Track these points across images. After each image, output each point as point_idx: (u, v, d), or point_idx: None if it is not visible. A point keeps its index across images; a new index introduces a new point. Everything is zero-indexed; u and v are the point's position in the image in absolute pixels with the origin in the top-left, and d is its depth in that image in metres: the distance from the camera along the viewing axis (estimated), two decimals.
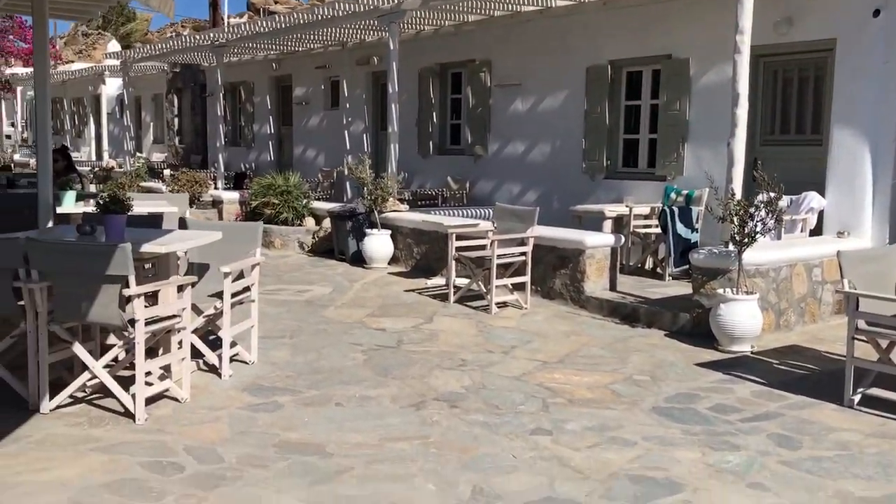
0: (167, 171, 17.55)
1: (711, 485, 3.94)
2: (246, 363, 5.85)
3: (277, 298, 8.28)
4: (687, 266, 7.75)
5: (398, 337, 6.77)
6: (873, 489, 3.93)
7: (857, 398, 5.14)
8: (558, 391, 5.41)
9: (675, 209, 8.53)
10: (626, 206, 9.33)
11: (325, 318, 7.46)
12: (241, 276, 5.75)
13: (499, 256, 7.75)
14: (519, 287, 8.05)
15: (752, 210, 6.38)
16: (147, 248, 4.85)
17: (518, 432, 4.62)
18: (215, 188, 15.13)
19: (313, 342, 6.55)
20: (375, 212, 10.17)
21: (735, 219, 6.43)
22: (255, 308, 5.90)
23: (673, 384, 5.61)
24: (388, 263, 10.21)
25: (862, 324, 5.14)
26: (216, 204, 13.90)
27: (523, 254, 7.99)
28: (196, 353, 5.49)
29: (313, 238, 11.49)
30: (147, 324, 4.61)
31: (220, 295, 5.50)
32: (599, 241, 8.06)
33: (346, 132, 15.36)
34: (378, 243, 10.09)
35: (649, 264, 9.42)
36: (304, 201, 11.81)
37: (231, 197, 13.78)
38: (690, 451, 4.36)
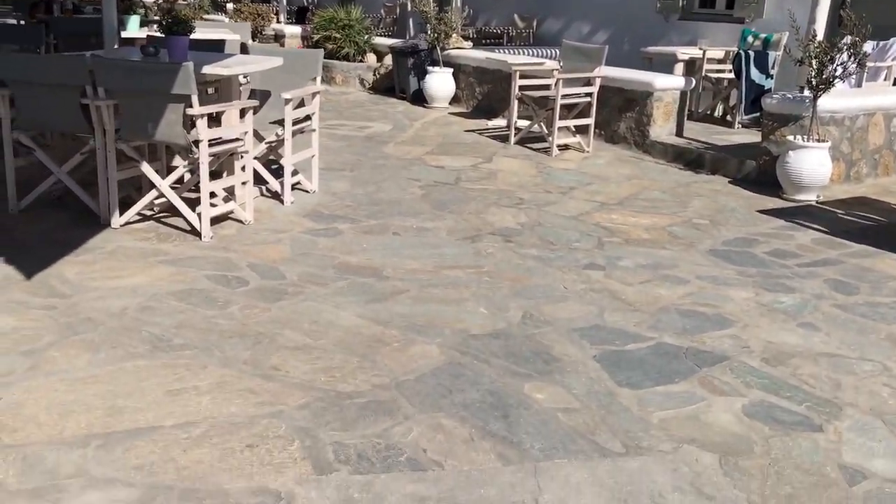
0: (230, 5, 17.29)
1: (761, 322, 3.96)
2: (307, 192, 5.96)
3: (338, 133, 8.31)
4: (758, 114, 7.47)
5: (457, 174, 6.78)
6: None
7: None
8: (615, 231, 5.41)
9: (751, 53, 8.12)
10: (700, 49, 8.93)
11: (384, 153, 7.49)
12: (301, 104, 5.76)
13: (563, 96, 7.57)
14: (582, 130, 7.90)
15: (832, 53, 6.04)
16: (209, 69, 4.85)
17: (571, 266, 4.68)
18: (277, 22, 14.91)
19: (372, 175, 6.61)
20: (438, 49, 9.94)
21: (814, 62, 6.11)
22: (315, 138, 5.94)
23: (732, 229, 5.55)
24: (449, 103, 10.08)
25: None
26: (278, 38, 13.75)
27: (588, 94, 7.78)
28: (259, 180, 5.60)
29: (374, 75, 11.35)
30: (210, 145, 4.70)
31: (281, 122, 5.54)
32: (669, 84, 7.79)
33: None
34: (439, 81, 9.93)
35: (719, 111, 9.12)
36: (366, 36, 11.59)
37: (293, 31, 13.59)
38: (743, 291, 4.37)
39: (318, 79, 5.90)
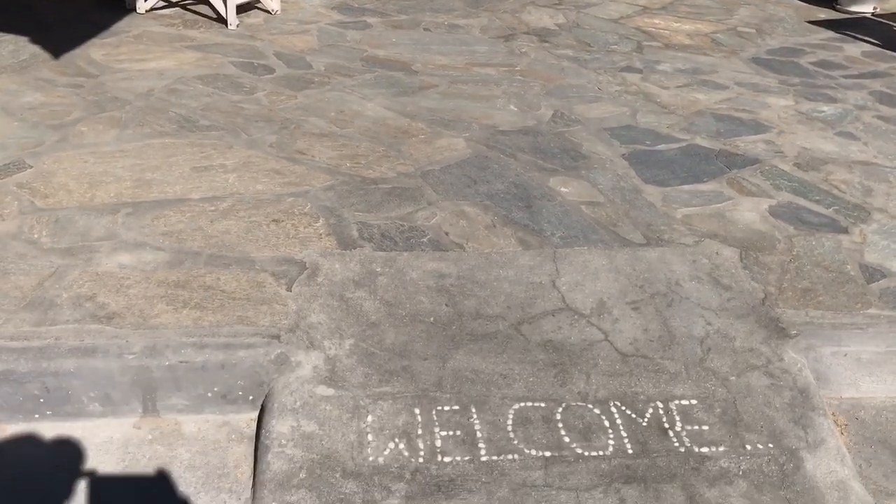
0: None
1: (798, 129, 3.85)
2: None
3: None
4: None
5: None
6: None
7: None
8: (655, 35, 5.18)
9: None
10: None
11: None
12: None
13: None
14: None
15: None
16: None
17: (607, 68, 4.52)
18: None
19: None
20: None
21: None
22: None
23: (779, 38, 5.30)
24: None
25: None
26: None
27: None
28: None
29: None
30: None
31: None
32: None
33: None
34: None
35: None
36: None
37: None
38: (783, 99, 4.22)
39: None
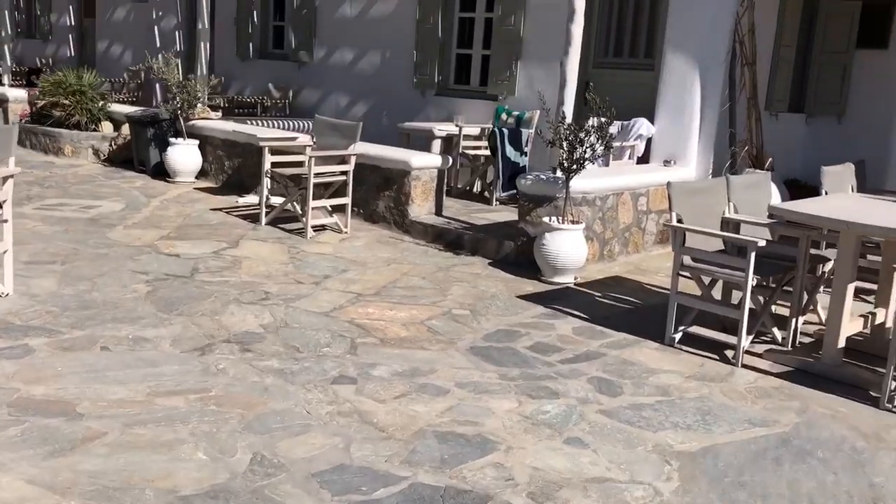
0: None
1: (526, 441, 3.53)
2: None
3: (56, 215, 7.18)
4: (515, 191, 7.34)
5: (193, 264, 5.96)
6: (692, 440, 3.67)
7: (677, 337, 4.93)
8: (370, 328, 4.86)
9: (505, 131, 8.07)
10: (456, 126, 8.79)
11: (109, 240, 6.49)
12: None
13: (317, 175, 7.03)
14: (339, 209, 7.38)
15: (581, 135, 5.99)
16: None
17: (317, 381, 4.04)
18: (0, 84, 13.22)
19: (89, 269, 5.62)
20: (181, 119, 9.07)
21: (564, 144, 6.02)
22: (7, 230, 4.90)
23: (493, 319, 5.21)
24: (196, 178, 9.21)
25: (687, 260, 4.89)
26: (1, 103, 12.13)
27: (344, 173, 7.30)
28: None
29: (111, 146, 10.20)
30: None
31: None
32: (426, 163, 7.48)
33: (156, 28, 13.80)
34: (183, 154, 9.04)
35: (477, 187, 9.02)
36: (101, 103, 10.43)
37: (17, 95, 12.04)
38: (506, 400, 3.95)
39: (12, 161, 4.90)
